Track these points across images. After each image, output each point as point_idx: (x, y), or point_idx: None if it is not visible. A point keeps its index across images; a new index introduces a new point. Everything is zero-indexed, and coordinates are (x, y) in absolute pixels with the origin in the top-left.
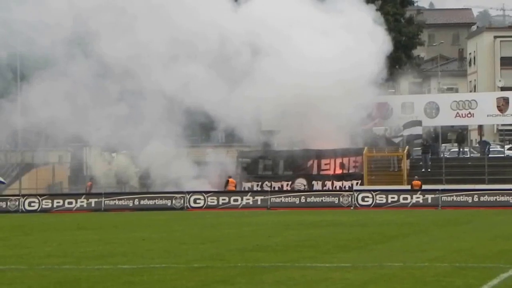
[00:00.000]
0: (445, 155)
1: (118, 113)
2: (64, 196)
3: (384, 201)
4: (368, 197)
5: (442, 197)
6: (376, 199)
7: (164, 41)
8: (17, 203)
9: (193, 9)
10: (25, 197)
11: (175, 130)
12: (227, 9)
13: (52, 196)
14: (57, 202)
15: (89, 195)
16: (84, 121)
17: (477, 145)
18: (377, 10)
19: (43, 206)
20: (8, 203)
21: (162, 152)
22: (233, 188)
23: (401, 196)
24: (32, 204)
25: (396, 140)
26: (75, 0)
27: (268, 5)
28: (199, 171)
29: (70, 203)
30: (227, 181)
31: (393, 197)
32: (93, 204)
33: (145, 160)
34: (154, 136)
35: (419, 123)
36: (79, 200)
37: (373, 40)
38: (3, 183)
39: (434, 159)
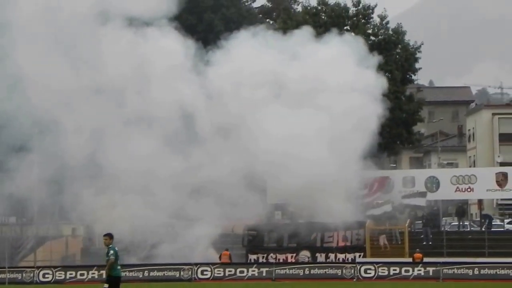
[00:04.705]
0: (446, 229)
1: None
2: (76, 268)
3: (386, 273)
4: (370, 269)
5: (444, 270)
6: (378, 271)
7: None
8: (32, 274)
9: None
10: (40, 269)
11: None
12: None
13: (65, 268)
14: (70, 274)
15: (100, 266)
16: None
17: (478, 219)
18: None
19: (57, 278)
20: (24, 274)
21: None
22: (227, 260)
23: (403, 269)
24: (46, 276)
25: (378, 212)
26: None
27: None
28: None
29: (82, 274)
30: (221, 254)
31: (395, 269)
32: (104, 276)
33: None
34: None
35: (423, 194)
36: (90, 272)
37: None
38: None
39: (435, 233)
